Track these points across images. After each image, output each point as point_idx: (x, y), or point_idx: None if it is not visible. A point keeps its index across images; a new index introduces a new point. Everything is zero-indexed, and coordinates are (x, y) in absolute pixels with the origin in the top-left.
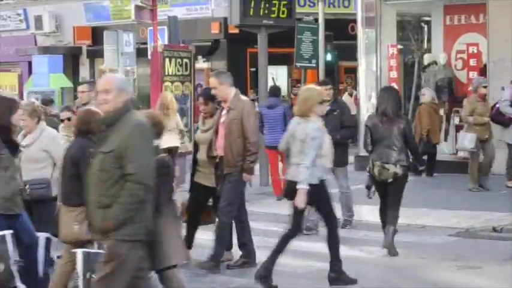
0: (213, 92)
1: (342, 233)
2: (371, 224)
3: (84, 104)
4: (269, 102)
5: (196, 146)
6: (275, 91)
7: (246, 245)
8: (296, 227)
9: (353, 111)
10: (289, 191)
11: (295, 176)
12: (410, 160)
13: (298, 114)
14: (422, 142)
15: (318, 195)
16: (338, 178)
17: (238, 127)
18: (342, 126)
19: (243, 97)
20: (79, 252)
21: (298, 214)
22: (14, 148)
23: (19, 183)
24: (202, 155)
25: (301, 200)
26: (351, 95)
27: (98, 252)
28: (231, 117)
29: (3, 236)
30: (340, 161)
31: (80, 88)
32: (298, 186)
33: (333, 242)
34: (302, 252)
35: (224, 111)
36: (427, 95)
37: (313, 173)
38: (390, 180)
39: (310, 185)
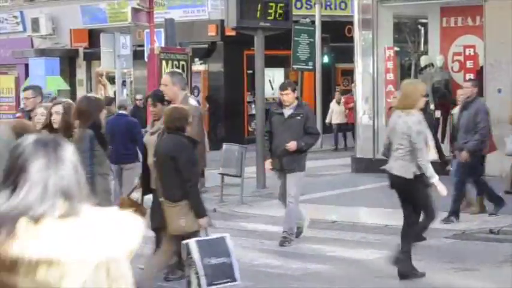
0: (161, 88)
1: (334, 235)
2: (368, 226)
3: (29, 111)
4: None
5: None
6: None
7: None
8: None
9: (343, 119)
10: (391, 182)
11: (393, 167)
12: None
13: (401, 108)
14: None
15: (410, 190)
16: (288, 184)
17: None
18: (305, 132)
19: (192, 101)
20: (192, 242)
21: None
22: (105, 144)
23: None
24: (149, 159)
25: (442, 188)
26: (338, 102)
27: (209, 238)
28: None
29: None
30: (293, 166)
31: (25, 94)
32: (431, 181)
33: (409, 235)
34: (297, 254)
35: None
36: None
37: (408, 167)
38: None
39: (404, 178)
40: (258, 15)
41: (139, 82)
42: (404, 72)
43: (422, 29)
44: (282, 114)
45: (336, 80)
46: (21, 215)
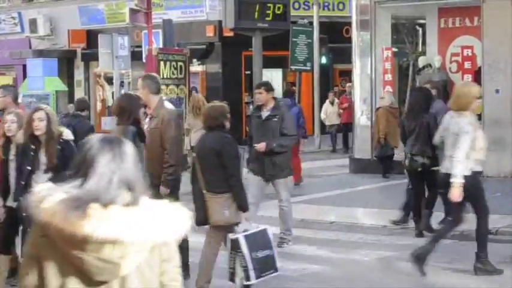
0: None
1: (332, 236)
2: (366, 226)
3: (1, 111)
4: (285, 103)
5: None
6: (287, 93)
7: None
8: (457, 219)
9: (335, 120)
10: (443, 182)
11: (449, 168)
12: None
13: (455, 109)
14: (380, 145)
15: (469, 186)
16: (277, 190)
17: (160, 136)
18: (281, 134)
19: (167, 105)
20: (241, 238)
21: (457, 206)
22: (144, 141)
23: None
24: None
25: (455, 193)
26: (332, 103)
27: (253, 232)
28: (152, 126)
29: None
30: (275, 172)
31: None
32: (452, 180)
33: (481, 233)
34: (295, 254)
35: (147, 119)
36: (386, 99)
37: (465, 165)
38: (420, 169)
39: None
40: (256, 16)
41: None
42: (402, 73)
43: (420, 29)
44: (260, 116)
45: (334, 80)
46: (92, 201)
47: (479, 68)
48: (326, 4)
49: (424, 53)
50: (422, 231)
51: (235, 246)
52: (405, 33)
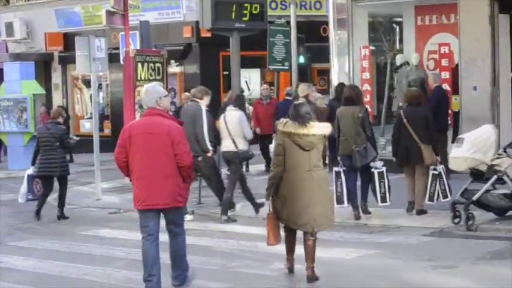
0: None
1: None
2: (346, 225)
3: None
4: None
5: None
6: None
7: None
8: None
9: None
10: None
11: None
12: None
13: None
14: None
15: None
16: None
17: None
18: None
19: None
20: (442, 170)
21: None
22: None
23: None
24: None
25: None
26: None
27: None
28: None
29: None
30: None
31: None
32: None
33: None
34: (276, 254)
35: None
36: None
37: None
38: None
39: None
40: (233, 16)
41: (115, 85)
42: (380, 71)
43: (397, 27)
44: None
45: (312, 79)
46: (300, 122)
47: (457, 65)
48: (303, 3)
49: (401, 51)
50: None
51: (437, 176)
52: (382, 31)
